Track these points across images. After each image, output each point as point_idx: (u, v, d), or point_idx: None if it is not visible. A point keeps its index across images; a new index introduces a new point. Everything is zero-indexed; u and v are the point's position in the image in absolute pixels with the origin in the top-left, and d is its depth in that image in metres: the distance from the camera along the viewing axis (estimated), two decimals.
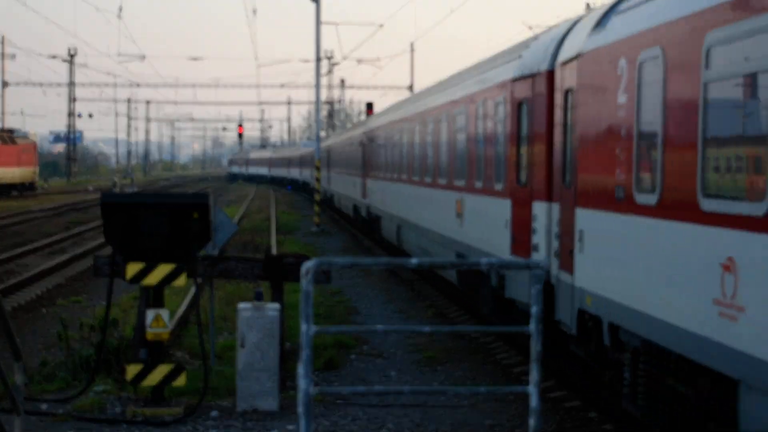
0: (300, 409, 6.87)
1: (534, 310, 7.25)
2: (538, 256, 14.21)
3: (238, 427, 11.84)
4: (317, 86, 47.69)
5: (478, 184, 18.10)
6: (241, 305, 12.80)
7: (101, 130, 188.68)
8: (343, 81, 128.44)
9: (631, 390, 10.57)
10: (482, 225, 17.84)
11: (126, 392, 12.98)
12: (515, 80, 15.67)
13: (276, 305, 12.88)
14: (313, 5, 45.46)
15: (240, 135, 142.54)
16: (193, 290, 20.26)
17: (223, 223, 15.05)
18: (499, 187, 16.49)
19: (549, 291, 13.24)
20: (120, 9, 60.71)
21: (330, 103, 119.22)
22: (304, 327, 6.85)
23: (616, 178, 10.88)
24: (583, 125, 12.30)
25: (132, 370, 12.07)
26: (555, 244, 13.58)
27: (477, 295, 18.27)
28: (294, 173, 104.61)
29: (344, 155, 47.16)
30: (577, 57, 12.66)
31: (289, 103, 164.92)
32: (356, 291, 24.69)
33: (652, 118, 9.87)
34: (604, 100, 11.49)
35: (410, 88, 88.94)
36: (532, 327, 7.27)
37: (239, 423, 11.97)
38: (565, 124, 13.32)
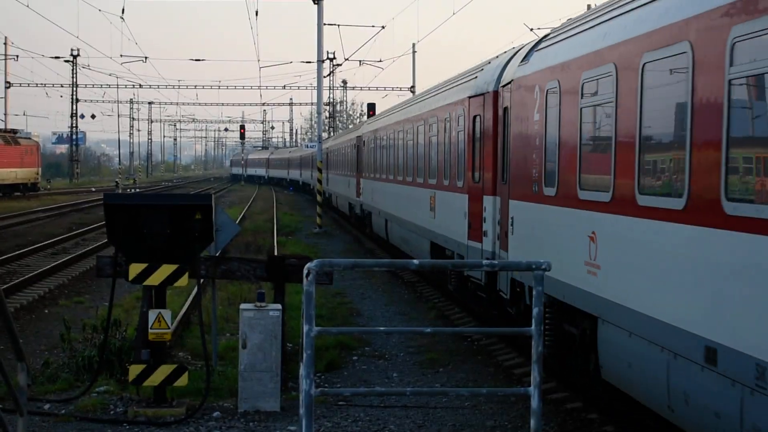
0: (302, 410, 6.88)
1: (535, 311, 7.27)
2: (487, 240, 17.47)
3: (240, 427, 11.86)
4: (319, 87, 47.69)
5: (446, 182, 21.57)
6: (243, 306, 12.82)
7: (104, 131, 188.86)
8: (345, 82, 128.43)
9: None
10: (448, 216, 21.19)
11: (128, 393, 13.00)
12: (471, 97, 19.12)
13: (278, 306, 12.90)
14: (315, 7, 45.49)
15: (242, 136, 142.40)
16: (195, 291, 20.28)
17: (225, 224, 15.06)
18: (460, 184, 19.92)
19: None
20: (123, 10, 60.66)
21: (332, 104, 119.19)
22: (306, 328, 6.86)
23: (533, 177, 14.31)
24: (513, 136, 15.78)
25: (134, 370, 12.08)
26: (498, 229, 16.79)
27: (445, 275, 21.45)
28: (293, 174, 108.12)
29: (340, 157, 49.92)
30: (510, 82, 16.09)
31: (291, 104, 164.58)
32: (358, 292, 24.70)
33: (553, 132, 13.36)
34: (526, 117, 14.89)
35: (412, 89, 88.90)
36: (533, 329, 7.28)
37: (241, 424, 11.98)
38: (504, 135, 16.74)
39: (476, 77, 19.35)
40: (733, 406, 8.12)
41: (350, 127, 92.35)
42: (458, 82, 21.60)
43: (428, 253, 23.39)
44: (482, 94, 18.27)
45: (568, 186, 12.63)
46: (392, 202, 30.20)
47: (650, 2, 10.51)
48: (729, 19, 8.32)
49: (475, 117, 18.72)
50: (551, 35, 14.92)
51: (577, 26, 13.38)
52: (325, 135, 72.33)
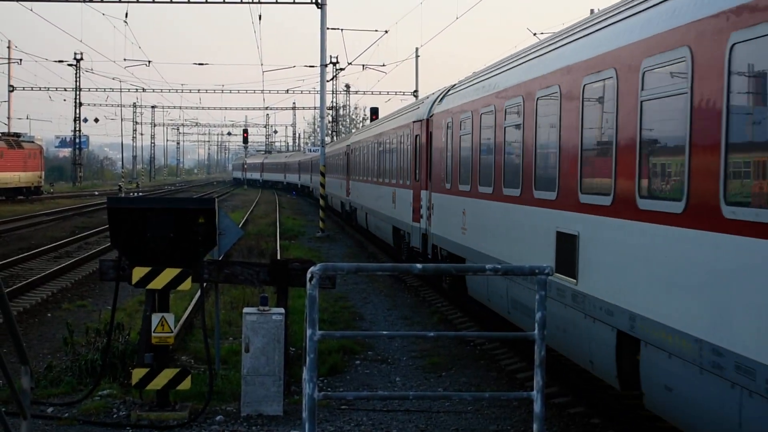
0: (304, 414, 6.88)
1: (538, 316, 7.26)
2: (423, 221, 24.81)
3: (243, 431, 11.86)
4: (322, 92, 47.71)
5: (401, 182, 29.21)
6: (247, 310, 12.82)
7: (107, 135, 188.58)
8: (348, 86, 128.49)
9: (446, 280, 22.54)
10: (402, 206, 28.59)
11: (131, 396, 13.00)
12: (413, 122, 26.87)
13: (281, 310, 12.90)
14: (318, 11, 45.52)
15: (245, 140, 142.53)
16: (198, 295, 20.29)
17: (228, 228, 15.07)
18: (408, 183, 27.66)
19: (425, 237, 24.48)
20: (126, 15, 60.64)
21: (335, 108, 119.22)
22: (309, 332, 6.86)
23: (441, 177, 22.17)
24: (433, 150, 23.63)
25: (137, 374, 12.08)
26: (427, 213, 24.27)
27: (400, 248, 29.91)
28: (289, 178, 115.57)
29: (334, 163, 56.29)
30: (432, 115, 24.07)
31: (294, 108, 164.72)
32: (361, 296, 24.71)
33: (448, 149, 21.14)
34: (439, 138, 22.81)
35: (415, 93, 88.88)
36: (536, 333, 7.28)
37: (244, 428, 11.98)
38: (429, 149, 24.38)
39: (418, 108, 27.49)
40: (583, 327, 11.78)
41: (353, 130, 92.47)
42: (408, 110, 30.09)
43: (391, 235, 31.32)
44: (420, 121, 25.74)
45: (454, 183, 20.55)
46: (369, 198, 37.98)
47: (482, 80, 19.03)
48: (641, 54, 10.36)
49: (416, 136, 26.33)
50: (453, 88, 22.66)
51: (461, 86, 21.58)
52: (327, 139, 72.36)
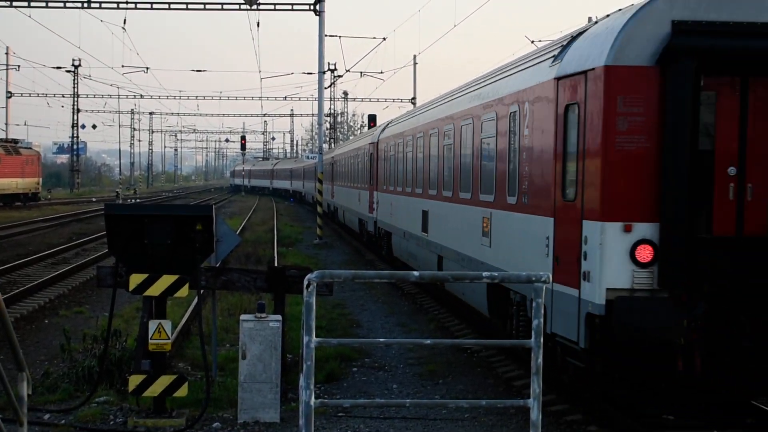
0: (301, 421, 6.89)
1: (535, 323, 7.27)
2: (374, 212, 33.86)
3: None
4: (320, 99, 47.75)
5: (362, 185, 38.35)
6: (244, 317, 12.82)
7: (105, 141, 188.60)
8: (346, 93, 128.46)
9: (387, 247, 31.38)
10: (364, 203, 37.66)
11: (128, 403, 13.01)
12: (369, 143, 36.28)
13: (278, 317, 12.90)
14: (316, 18, 45.55)
15: (243, 147, 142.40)
16: (195, 301, 20.28)
17: (226, 234, 15.07)
18: (366, 186, 36.80)
19: (375, 222, 33.66)
20: (124, 21, 60.66)
21: (333, 115, 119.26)
22: (306, 339, 6.87)
23: (381, 180, 32.33)
24: (378, 163, 32.96)
25: (134, 380, 12.08)
26: (376, 206, 33.51)
27: (361, 235, 40.96)
28: (276, 184, 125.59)
29: (325, 171, 63.70)
30: (378, 140, 33.33)
31: (292, 115, 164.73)
32: (358, 303, 24.71)
33: (385, 163, 31.36)
34: (381, 156, 32.30)
35: (413, 100, 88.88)
36: (533, 341, 7.28)
37: None
38: (377, 163, 33.61)
39: (373, 134, 37.09)
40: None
41: (350, 138, 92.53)
42: (367, 135, 40.11)
43: (358, 225, 41.24)
44: (372, 143, 35.36)
45: (387, 185, 30.58)
46: (344, 198, 47.54)
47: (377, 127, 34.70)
48: (479, 112, 18.33)
49: (370, 154, 35.80)
50: (389, 124, 33.73)
51: (392, 124, 32.80)
52: (325, 146, 72.58)
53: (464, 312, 22.13)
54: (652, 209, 11.57)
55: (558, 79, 13.06)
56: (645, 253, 11.61)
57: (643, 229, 11.61)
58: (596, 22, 13.24)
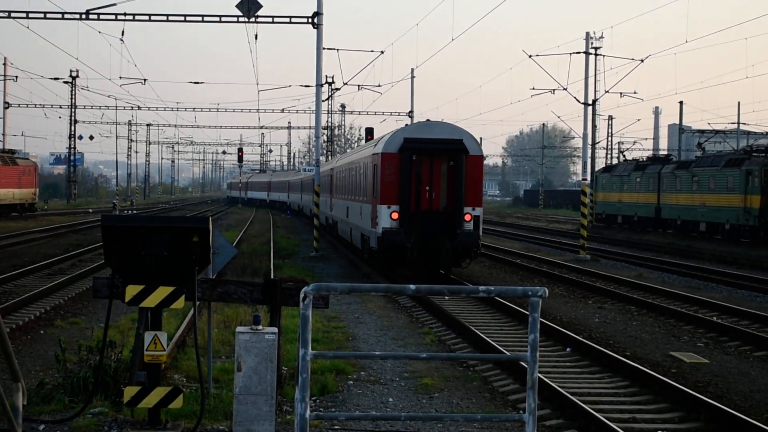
0: None
1: (531, 338, 7.29)
2: (332, 211, 53.47)
3: None
4: (317, 111, 47.82)
5: (327, 195, 54.83)
6: (239, 329, 12.79)
7: (102, 153, 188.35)
8: (343, 106, 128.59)
9: (335, 230, 52.02)
10: (326, 206, 55.20)
11: (123, 414, 12.98)
12: (330, 168, 55.08)
13: (274, 329, 12.87)
14: (314, 31, 45.61)
15: (240, 159, 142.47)
16: (191, 313, 20.25)
17: (222, 246, 15.06)
18: (327, 195, 54.86)
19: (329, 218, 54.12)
20: (122, 33, 60.79)
21: (330, 128, 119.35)
22: (301, 352, 6.87)
23: (334, 192, 51.75)
24: (334, 181, 52.12)
25: (129, 392, 12.05)
26: (330, 204, 53.37)
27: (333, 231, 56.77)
28: (273, 196, 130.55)
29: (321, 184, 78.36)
30: (334, 167, 53.56)
31: (289, 127, 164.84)
32: (353, 316, 24.70)
33: (336, 181, 51.21)
34: (335, 176, 51.61)
35: (410, 114, 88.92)
36: (528, 356, 7.30)
37: None
38: (334, 181, 52.58)
39: (333, 163, 54.14)
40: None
41: (348, 150, 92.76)
42: (330, 164, 55.17)
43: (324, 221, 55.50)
44: (333, 167, 53.14)
45: (335, 194, 50.79)
46: (336, 209, 52.58)
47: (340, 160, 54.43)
48: (363, 160, 39.28)
49: (330, 176, 53.99)
50: (338, 158, 54.91)
51: (339, 159, 55.40)
52: (322, 159, 72.86)
53: (458, 327, 22.15)
54: (397, 200, 32.32)
55: (374, 154, 34.26)
56: (395, 215, 32.37)
57: (394, 207, 32.43)
58: (385, 135, 35.67)
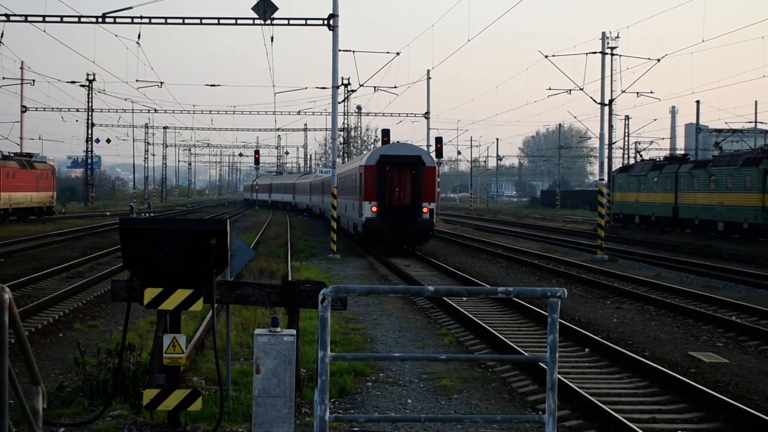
0: None
1: (550, 339, 7.26)
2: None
3: None
4: (334, 113, 47.85)
5: (329, 196, 60.42)
6: (258, 331, 12.78)
7: (119, 156, 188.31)
8: (359, 108, 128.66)
9: (338, 224, 55.46)
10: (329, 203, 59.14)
11: (142, 417, 12.99)
12: (337, 175, 50.54)
13: (292, 331, 12.85)
14: (330, 33, 45.64)
15: (256, 161, 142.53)
16: (209, 315, 20.26)
17: (240, 249, 15.07)
18: (333, 196, 53.25)
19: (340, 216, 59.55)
20: (138, 36, 60.81)
21: (346, 129, 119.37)
22: (320, 354, 6.86)
23: (339, 193, 53.30)
24: (339, 185, 53.07)
25: (148, 394, 12.06)
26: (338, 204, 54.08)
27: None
28: (275, 197, 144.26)
29: (319, 187, 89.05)
30: (337, 173, 51.91)
31: (305, 129, 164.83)
32: (371, 318, 24.69)
33: (339, 185, 52.88)
34: (338, 181, 51.07)
35: (426, 115, 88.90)
36: (548, 356, 7.27)
37: None
38: (338, 183, 52.69)
39: (336, 170, 50.19)
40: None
41: (365, 152, 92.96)
42: (334, 171, 51.32)
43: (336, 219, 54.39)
44: (335, 176, 49.74)
45: (341, 195, 55.58)
46: (341, 206, 58.81)
47: (344, 167, 64.49)
48: (357, 168, 52.14)
49: (347, 176, 57.48)
50: (340, 165, 64.62)
51: (342, 167, 64.45)
52: (339, 161, 73.22)
53: (476, 328, 22.11)
54: (376, 197, 46.88)
55: (360, 166, 49.35)
56: (374, 209, 46.90)
57: (374, 202, 47.00)
58: (367, 153, 56.40)
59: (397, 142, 55.04)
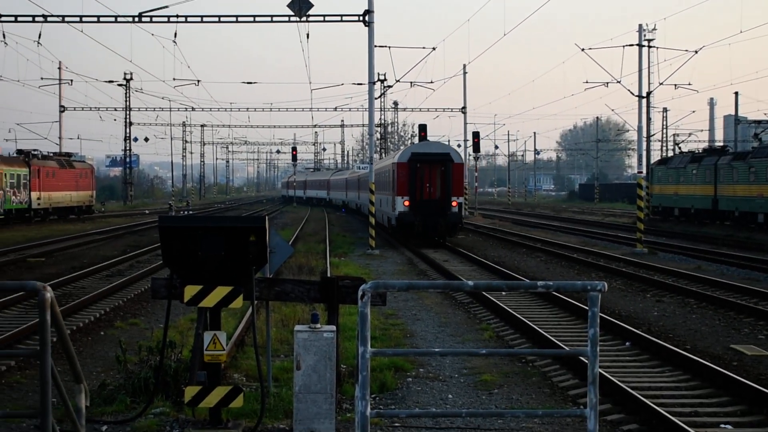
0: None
1: (591, 333, 7.23)
2: (375, 205, 50.48)
3: None
4: (370, 109, 47.79)
5: (364, 192, 69.81)
6: (298, 327, 12.81)
7: (157, 154, 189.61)
8: (396, 103, 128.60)
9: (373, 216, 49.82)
10: (366, 199, 60.43)
11: (184, 414, 13.05)
12: (372, 171, 48.86)
13: (332, 327, 12.88)
14: (365, 29, 45.61)
15: (294, 158, 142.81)
16: (249, 312, 20.33)
17: (279, 245, 15.10)
18: (367, 192, 53.80)
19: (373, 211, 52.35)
20: (175, 35, 60.95)
21: (383, 125, 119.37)
22: (361, 349, 6.86)
23: (375, 189, 49.08)
24: (375, 180, 50.49)
25: (190, 392, 12.10)
26: (373, 200, 48.80)
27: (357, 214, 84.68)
28: (309, 193, 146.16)
29: (356, 183, 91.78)
30: (374, 170, 48.96)
31: (342, 125, 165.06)
32: (411, 313, 24.68)
33: (375, 180, 48.78)
34: (375, 176, 49.68)
35: (463, 110, 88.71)
36: (589, 350, 7.24)
37: None
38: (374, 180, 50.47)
39: (372, 167, 48.42)
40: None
41: (407, 144, 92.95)
42: (370, 167, 49.79)
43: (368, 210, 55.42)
44: (371, 172, 48.10)
45: (377, 191, 54.10)
46: (377, 201, 59.06)
47: (380, 163, 65.43)
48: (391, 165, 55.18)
49: (381, 173, 58.49)
50: (376, 162, 61.98)
51: (377, 163, 63.53)
52: (376, 156, 73.35)
53: (516, 322, 22.05)
54: (408, 192, 49.56)
55: (393, 163, 52.04)
56: (407, 203, 49.53)
57: (406, 197, 49.62)
58: (399, 150, 60.55)
59: (427, 140, 58.89)
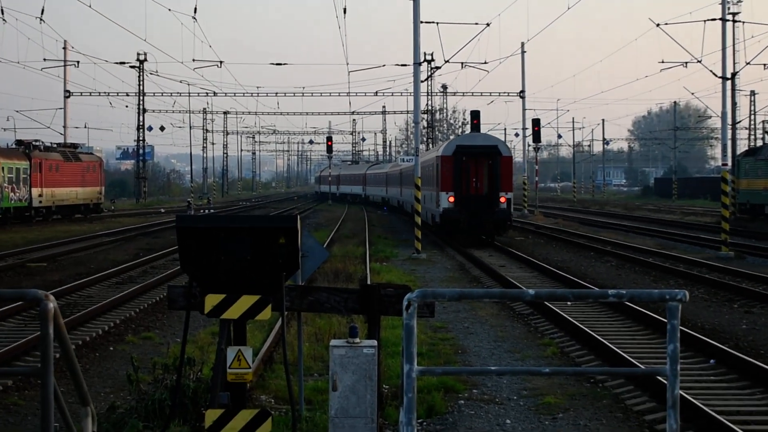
0: None
1: (670, 348, 7.14)
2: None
3: None
4: (416, 93, 47.77)
5: (410, 187, 66.97)
6: (334, 342, 12.78)
7: (174, 145, 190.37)
8: (444, 87, 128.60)
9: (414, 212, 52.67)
10: (410, 195, 67.04)
11: None
12: (419, 164, 50.86)
13: (373, 342, 12.83)
14: (410, 3, 45.55)
15: (329, 149, 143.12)
16: (278, 325, 20.34)
17: (312, 249, 15.09)
18: (418, 187, 51.59)
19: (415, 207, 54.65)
20: (195, 10, 60.97)
21: (430, 112, 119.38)
22: (406, 368, 6.80)
23: (422, 185, 50.77)
24: (422, 174, 51.85)
25: (211, 415, 12.09)
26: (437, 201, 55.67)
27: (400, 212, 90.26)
28: (343, 189, 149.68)
29: (397, 177, 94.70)
30: (420, 163, 51.46)
31: (384, 112, 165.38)
32: (463, 326, 24.64)
33: (427, 176, 59.07)
34: (421, 170, 51.68)
35: (521, 94, 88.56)
36: (668, 369, 7.16)
37: None
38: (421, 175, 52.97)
39: (417, 159, 50.36)
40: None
41: (451, 137, 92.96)
42: (417, 158, 51.81)
43: (408, 205, 73.87)
44: (416, 165, 49.82)
45: (424, 187, 54.86)
46: (422, 198, 60.27)
47: (424, 156, 64.38)
48: (434, 160, 59.34)
49: (424, 167, 58.71)
50: (422, 154, 58.55)
51: (423, 155, 60.73)
52: (422, 147, 73.38)
53: (583, 337, 21.96)
54: (452, 187, 52.61)
55: (437, 156, 55.98)
56: (451, 199, 52.55)
57: (451, 193, 52.57)
58: (444, 143, 63.11)
59: (473, 132, 59.93)
